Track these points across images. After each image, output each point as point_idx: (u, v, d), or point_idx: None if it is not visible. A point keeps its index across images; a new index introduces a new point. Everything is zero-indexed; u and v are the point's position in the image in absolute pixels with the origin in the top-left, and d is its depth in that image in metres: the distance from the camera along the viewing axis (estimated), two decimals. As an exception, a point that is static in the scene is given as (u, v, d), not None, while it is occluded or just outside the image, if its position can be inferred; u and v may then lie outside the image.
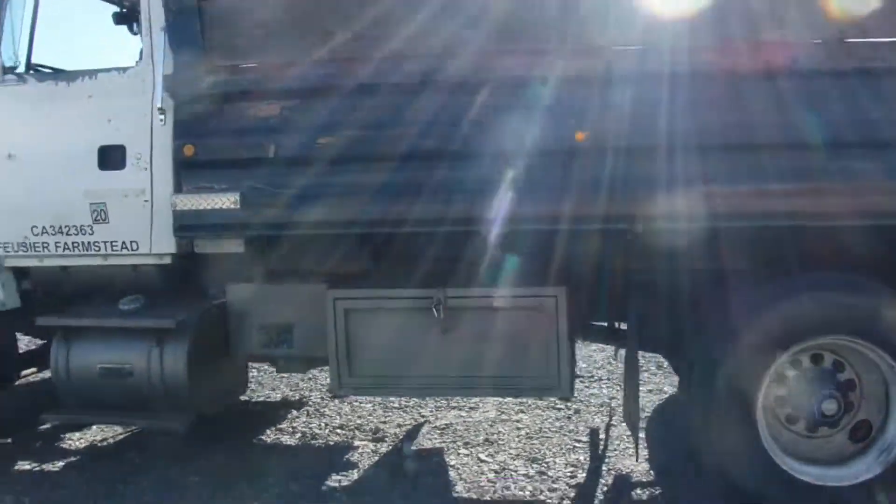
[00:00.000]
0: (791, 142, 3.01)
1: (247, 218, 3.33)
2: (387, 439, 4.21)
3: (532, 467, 3.79)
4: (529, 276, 3.37)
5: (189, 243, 3.60)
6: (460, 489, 3.58)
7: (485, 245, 3.40)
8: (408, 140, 3.20)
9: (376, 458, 3.97)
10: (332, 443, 4.18)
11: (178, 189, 3.41)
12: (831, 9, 2.95)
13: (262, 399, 4.95)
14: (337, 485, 3.64)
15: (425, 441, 4.16)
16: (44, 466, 3.89)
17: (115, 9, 4.08)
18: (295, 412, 4.65)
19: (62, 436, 4.23)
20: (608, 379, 5.22)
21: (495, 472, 3.76)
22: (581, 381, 5.15)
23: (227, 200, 3.32)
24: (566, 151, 3.12)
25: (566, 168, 3.14)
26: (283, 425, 4.43)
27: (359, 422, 4.47)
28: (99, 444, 4.18)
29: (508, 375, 3.38)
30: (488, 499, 3.50)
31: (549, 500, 3.46)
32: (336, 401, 4.77)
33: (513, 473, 3.74)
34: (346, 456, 3.97)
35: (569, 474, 3.72)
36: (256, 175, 3.31)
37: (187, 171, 3.38)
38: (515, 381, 3.39)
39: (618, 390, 4.93)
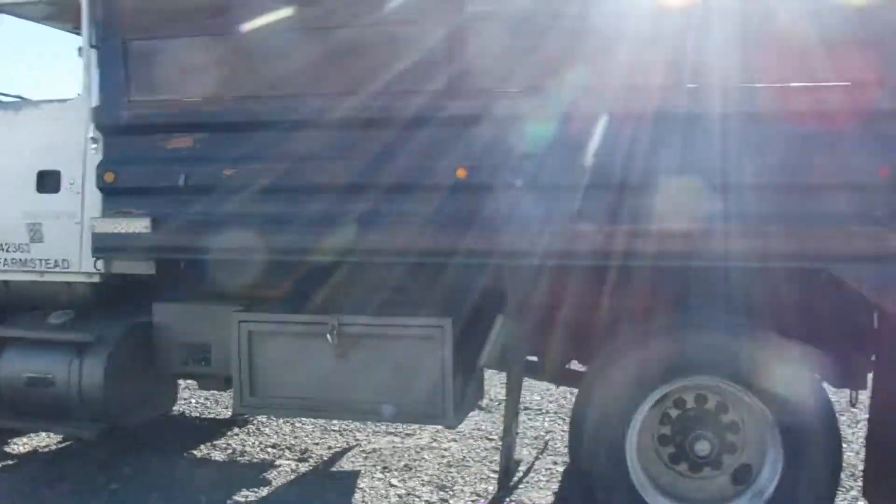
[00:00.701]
0: (666, 181, 3.07)
1: (157, 241, 3.55)
2: (311, 459, 4.35)
3: (437, 494, 3.87)
4: (419, 307, 3.49)
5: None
6: (358, 512, 3.70)
7: (379, 274, 3.55)
8: (303, 173, 3.39)
9: (293, 476, 4.11)
10: (257, 460, 4.33)
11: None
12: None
13: (211, 416, 5.15)
14: (244, 500, 3.79)
15: (348, 464, 4.29)
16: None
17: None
18: (237, 430, 4.83)
19: (8, 441, 4.51)
20: (555, 413, 5.24)
21: (399, 496, 3.85)
22: (527, 413, 5.20)
23: (139, 225, 3.55)
24: (449, 187, 3.25)
25: (449, 202, 3.27)
26: (220, 441, 4.61)
27: (293, 442, 4.62)
28: (41, 450, 4.45)
29: (397, 402, 3.48)
30: (381, 522, 3.61)
31: (437, 527, 3.55)
32: (279, 421, 4.93)
33: (416, 499, 3.82)
34: (266, 473, 4.11)
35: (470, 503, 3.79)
36: (168, 202, 3.55)
37: (108, 197, 3.62)
38: (404, 408, 3.49)
39: (561, 423, 4.95)
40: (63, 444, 4.51)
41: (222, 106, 3.48)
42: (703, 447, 3.17)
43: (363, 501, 3.79)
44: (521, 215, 3.17)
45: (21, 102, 3.99)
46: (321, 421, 4.88)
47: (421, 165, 3.28)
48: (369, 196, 3.33)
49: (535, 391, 5.53)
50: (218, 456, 4.41)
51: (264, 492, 3.89)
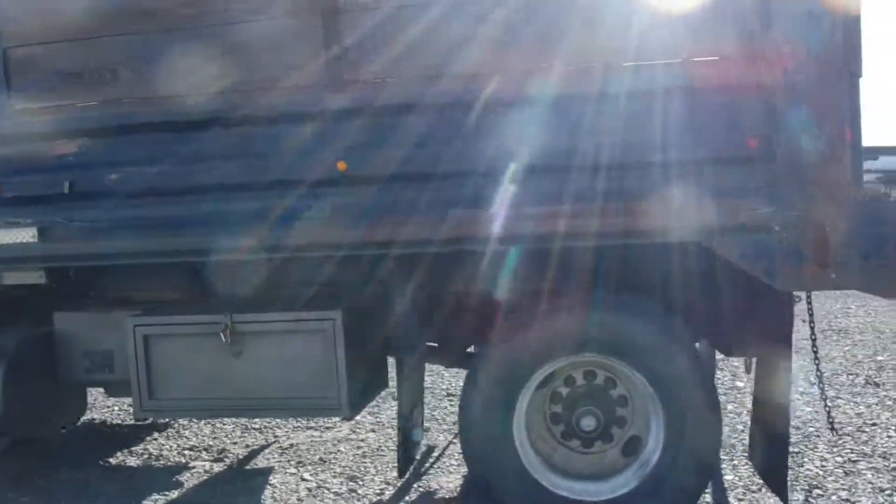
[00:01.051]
0: (554, 164, 3.13)
1: (44, 251, 3.54)
2: (227, 459, 4.36)
3: (347, 485, 3.91)
4: (312, 301, 3.53)
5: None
6: (265, 507, 3.73)
7: (272, 271, 3.58)
8: (185, 175, 3.39)
9: (206, 477, 4.12)
10: (172, 463, 4.34)
11: (-8, 224, 3.65)
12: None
13: (132, 423, 5.13)
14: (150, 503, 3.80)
15: (263, 461, 4.31)
16: None
17: None
18: (157, 434, 4.82)
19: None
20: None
21: (309, 490, 3.89)
22: (450, 399, 5.27)
23: (26, 234, 3.53)
24: (331, 181, 3.28)
25: (333, 196, 3.30)
26: (137, 447, 4.61)
27: (211, 443, 4.64)
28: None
29: (295, 396, 3.51)
30: (287, 516, 3.64)
31: (343, 517, 3.60)
32: (200, 423, 4.94)
33: (325, 491, 3.86)
34: (178, 476, 4.12)
35: (378, 491, 3.83)
36: (55, 210, 3.53)
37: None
38: (303, 402, 3.52)
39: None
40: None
41: (102, 111, 3.46)
42: (588, 423, 3.26)
43: (273, 497, 3.82)
44: (403, 204, 3.23)
45: None
46: (242, 420, 4.90)
47: (304, 160, 3.32)
48: (255, 194, 3.36)
49: (461, 378, 5.58)
50: (133, 462, 4.40)
51: (174, 494, 3.90)
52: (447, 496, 3.75)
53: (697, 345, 3.60)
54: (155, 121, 3.42)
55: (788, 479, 3.22)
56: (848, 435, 4.32)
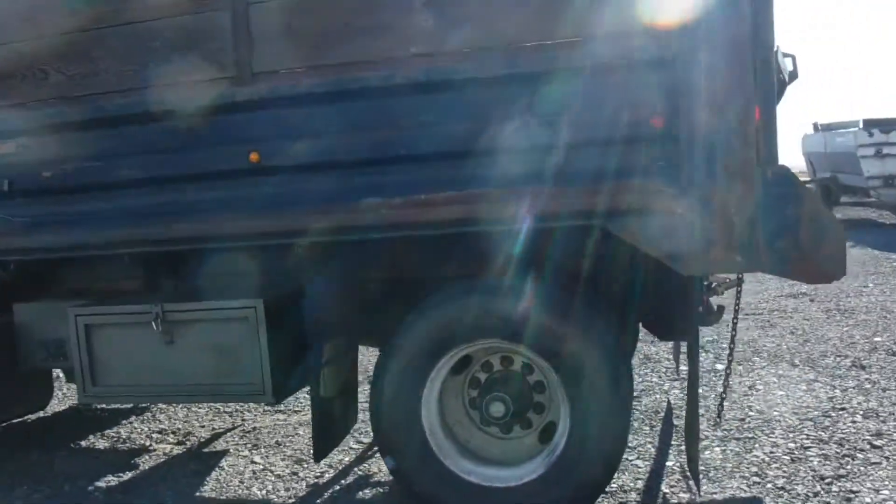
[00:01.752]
0: (456, 149, 3.09)
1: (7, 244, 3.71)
2: (189, 442, 4.50)
3: (291, 468, 3.99)
4: (234, 290, 3.59)
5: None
6: (207, 488, 3.83)
7: (200, 262, 3.66)
8: (116, 169, 3.48)
9: (163, 459, 4.26)
10: (136, 446, 4.50)
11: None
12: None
13: (112, 407, 5.32)
14: (105, 485, 3.95)
15: (222, 444, 4.43)
16: None
17: None
18: (133, 418, 5.00)
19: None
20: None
21: (254, 472, 3.98)
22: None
23: (-21, 229, 3.69)
24: (245, 171, 3.32)
25: (248, 187, 3.34)
26: (111, 430, 4.79)
27: (180, 426, 4.78)
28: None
29: (224, 382, 3.58)
30: (225, 497, 3.73)
31: (277, 499, 3.67)
32: (178, 407, 5.09)
33: (269, 474, 3.95)
34: (138, 458, 4.27)
35: (318, 474, 3.90)
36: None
37: None
38: (230, 388, 3.59)
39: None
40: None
41: (33, 110, 3.57)
42: (497, 409, 3.22)
43: (217, 479, 3.93)
44: (310, 194, 3.25)
45: None
46: (216, 404, 5.04)
47: (216, 153, 3.37)
48: (174, 187, 3.43)
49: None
50: (101, 444, 4.59)
51: (128, 475, 4.05)
52: (383, 479, 3.79)
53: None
54: (77, 119, 3.52)
55: (699, 463, 3.14)
56: (810, 420, 4.17)
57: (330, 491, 3.73)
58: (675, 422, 4.32)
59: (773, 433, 4.01)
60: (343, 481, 3.81)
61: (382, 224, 3.16)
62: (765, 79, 2.91)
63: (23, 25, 3.54)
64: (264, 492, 3.76)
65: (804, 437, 3.94)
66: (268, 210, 3.31)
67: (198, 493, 3.79)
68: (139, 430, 4.78)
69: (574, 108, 2.98)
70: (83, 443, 4.62)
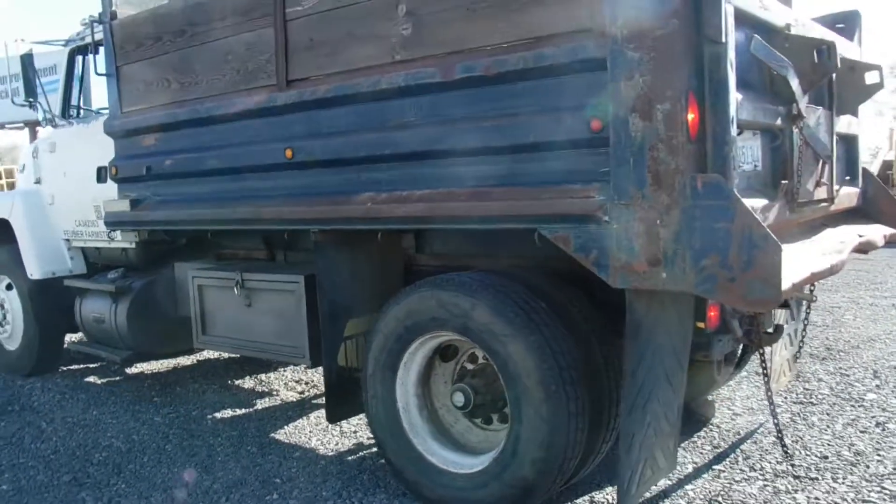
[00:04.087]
0: (403, 152, 3.41)
1: (132, 217, 4.80)
2: (305, 393, 5.33)
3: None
4: (292, 266, 4.26)
5: (144, 233, 5.19)
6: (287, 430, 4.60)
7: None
8: (206, 160, 4.30)
9: (277, 403, 5.13)
10: (262, 390, 5.45)
11: (120, 197, 5.04)
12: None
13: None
14: (231, 414, 4.93)
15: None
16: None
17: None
18: (281, 369, 5.98)
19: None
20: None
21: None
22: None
23: (123, 205, 4.82)
24: (284, 165, 3.91)
25: (285, 178, 3.94)
26: (255, 377, 5.82)
27: (309, 379, 5.64)
28: (145, 373, 6.11)
29: (278, 343, 4.28)
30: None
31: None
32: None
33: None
34: (259, 400, 5.21)
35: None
36: (141, 187, 4.76)
37: (119, 185, 4.94)
38: (282, 349, 4.28)
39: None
40: (157, 370, 6.15)
41: (174, 109, 4.45)
42: (458, 399, 3.44)
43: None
44: (322, 187, 3.74)
45: (93, 115, 5.53)
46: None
47: (251, 151, 4.03)
48: (238, 176, 4.15)
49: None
50: (246, 384, 5.63)
51: (240, 411, 4.99)
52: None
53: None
54: (184, 119, 4.40)
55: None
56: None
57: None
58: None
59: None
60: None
61: (367, 217, 3.55)
62: (715, 79, 2.70)
63: (154, 44, 4.52)
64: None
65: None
66: (294, 199, 3.88)
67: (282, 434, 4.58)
68: (279, 377, 5.76)
69: (520, 111, 3.06)
70: (230, 383, 5.72)
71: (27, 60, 5.52)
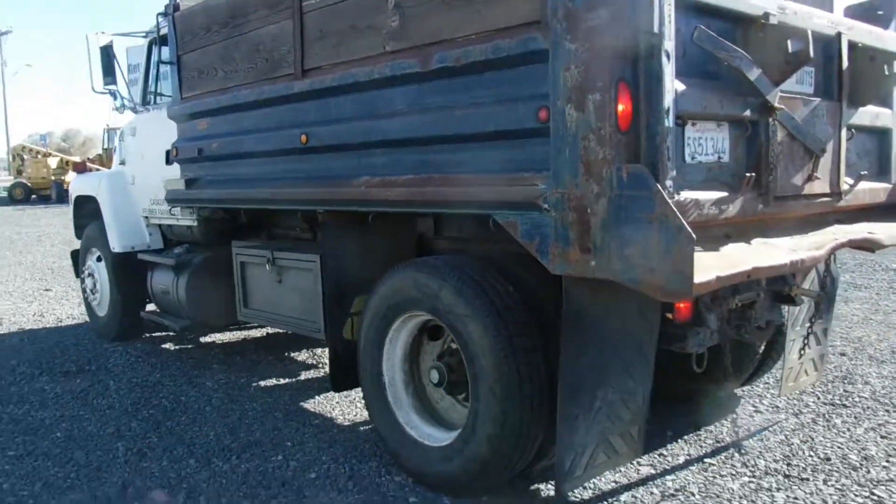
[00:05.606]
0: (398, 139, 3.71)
1: (186, 195, 5.40)
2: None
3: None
4: (307, 245, 4.67)
5: (206, 211, 5.78)
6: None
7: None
8: (242, 144, 4.79)
9: (309, 375, 5.61)
10: (303, 362, 5.95)
11: (181, 176, 5.66)
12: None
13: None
14: (255, 380, 5.47)
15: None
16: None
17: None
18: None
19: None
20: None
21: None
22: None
23: (180, 184, 5.42)
24: (298, 149, 4.32)
25: (298, 162, 4.36)
26: (321, 350, 6.33)
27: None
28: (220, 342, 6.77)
29: (301, 318, 4.72)
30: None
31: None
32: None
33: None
34: (299, 373, 5.72)
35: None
36: (195, 168, 5.34)
37: (180, 165, 5.54)
38: (304, 323, 4.70)
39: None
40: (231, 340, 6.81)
41: (218, 96, 4.98)
42: (433, 376, 3.72)
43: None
44: (331, 171, 4.12)
45: (162, 103, 6.19)
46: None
47: (274, 136, 4.47)
48: (267, 160, 4.62)
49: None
50: (300, 357, 6.16)
51: (283, 381, 5.51)
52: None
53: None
54: (225, 105, 4.91)
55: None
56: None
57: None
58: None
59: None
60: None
61: (361, 199, 3.90)
62: (649, 69, 2.83)
63: (205, 34, 5.06)
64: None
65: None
66: (306, 182, 4.30)
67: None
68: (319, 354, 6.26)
69: (482, 101, 3.29)
70: (291, 354, 6.27)
71: (108, 51, 6.26)
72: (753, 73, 3.11)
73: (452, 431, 3.71)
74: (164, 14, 5.50)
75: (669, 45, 2.84)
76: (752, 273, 2.97)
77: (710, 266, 2.77)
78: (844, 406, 4.61)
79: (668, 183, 2.86)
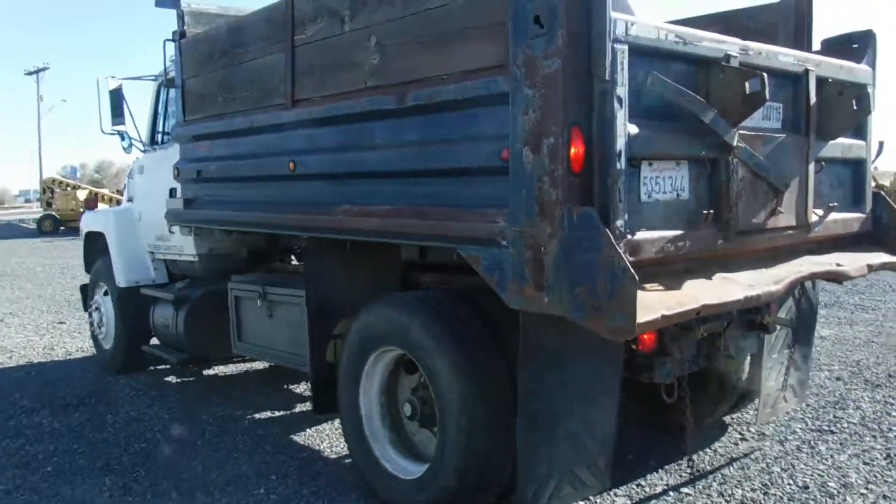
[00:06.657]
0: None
1: (185, 216, 5.64)
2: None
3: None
4: (296, 279, 4.85)
5: (209, 247, 6.01)
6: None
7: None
8: (237, 168, 5.01)
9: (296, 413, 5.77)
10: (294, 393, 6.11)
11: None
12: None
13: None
14: (241, 412, 5.63)
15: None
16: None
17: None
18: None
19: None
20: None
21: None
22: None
23: (179, 203, 5.65)
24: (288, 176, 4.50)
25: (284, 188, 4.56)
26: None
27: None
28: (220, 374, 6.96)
29: (290, 350, 4.88)
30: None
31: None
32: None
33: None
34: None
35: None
36: (193, 189, 5.56)
37: (181, 185, 5.75)
38: (292, 357, 4.87)
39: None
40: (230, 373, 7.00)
41: (215, 121, 5.21)
42: (406, 410, 3.87)
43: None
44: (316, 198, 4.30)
45: (166, 143, 6.46)
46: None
47: (265, 162, 4.67)
48: (260, 184, 4.82)
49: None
50: (297, 390, 6.32)
51: (277, 413, 5.66)
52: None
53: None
54: (222, 131, 5.15)
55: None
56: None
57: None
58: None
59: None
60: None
61: (339, 227, 4.08)
62: (602, 114, 2.97)
63: (207, 61, 5.31)
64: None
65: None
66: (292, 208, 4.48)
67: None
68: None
69: (451, 138, 3.46)
70: (290, 387, 6.43)
71: (117, 94, 6.59)
72: (708, 116, 3.25)
73: (425, 464, 3.83)
74: (171, 40, 5.79)
75: (622, 90, 2.99)
76: (701, 311, 3.08)
77: (656, 305, 2.89)
78: (832, 432, 4.67)
79: (619, 223, 2.99)
